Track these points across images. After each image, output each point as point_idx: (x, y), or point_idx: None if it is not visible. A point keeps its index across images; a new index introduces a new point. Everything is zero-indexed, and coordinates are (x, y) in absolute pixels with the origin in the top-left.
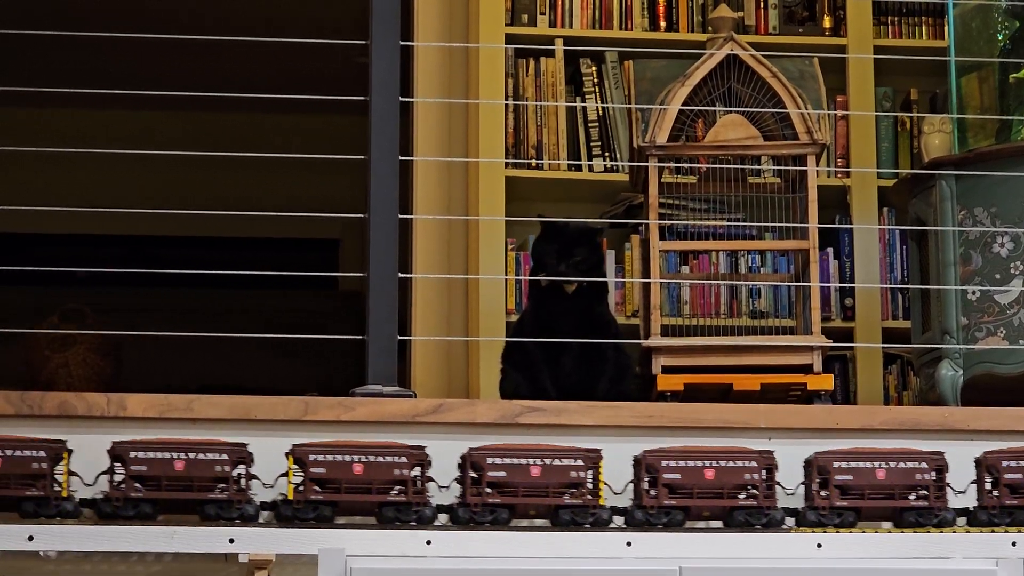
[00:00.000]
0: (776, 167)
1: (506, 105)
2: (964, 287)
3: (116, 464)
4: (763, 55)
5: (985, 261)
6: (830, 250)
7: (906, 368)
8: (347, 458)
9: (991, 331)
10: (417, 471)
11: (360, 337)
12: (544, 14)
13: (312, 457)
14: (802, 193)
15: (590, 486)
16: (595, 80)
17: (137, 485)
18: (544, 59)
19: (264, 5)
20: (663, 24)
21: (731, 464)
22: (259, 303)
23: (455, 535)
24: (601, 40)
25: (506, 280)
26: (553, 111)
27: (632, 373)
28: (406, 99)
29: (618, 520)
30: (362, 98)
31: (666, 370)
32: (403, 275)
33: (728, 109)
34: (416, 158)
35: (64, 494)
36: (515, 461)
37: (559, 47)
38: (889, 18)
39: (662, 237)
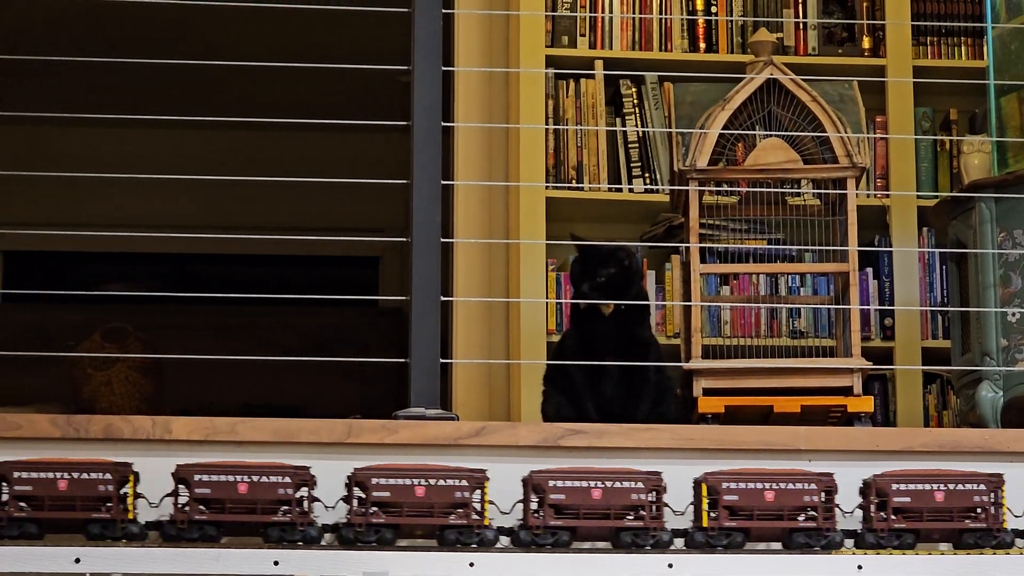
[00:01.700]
0: (816, 190)
1: (546, 127)
2: (1004, 309)
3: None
4: (802, 77)
5: None
6: (869, 270)
7: (946, 387)
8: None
9: None
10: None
11: (403, 360)
12: (584, 36)
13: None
14: (842, 216)
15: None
16: (635, 101)
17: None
18: (584, 81)
19: (309, 29)
20: (703, 45)
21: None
22: (301, 320)
23: (499, 557)
24: (641, 61)
25: (547, 301)
26: (594, 133)
27: (673, 395)
28: (448, 123)
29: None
30: (404, 123)
31: (707, 392)
32: (445, 298)
33: (768, 133)
34: (458, 182)
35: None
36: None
37: (599, 69)
38: (928, 38)
39: (703, 259)
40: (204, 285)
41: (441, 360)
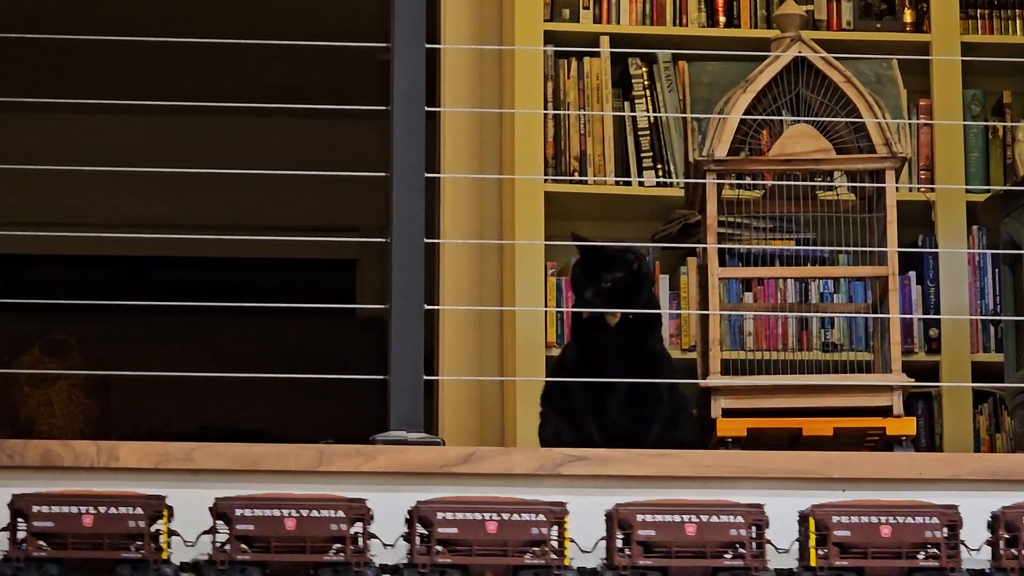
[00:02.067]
0: (851, 183)
1: (545, 112)
2: None
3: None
4: (836, 56)
5: None
6: (912, 274)
7: (999, 407)
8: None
9: None
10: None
11: (382, 377)
12: (588, 8)
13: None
14: (880, 213)
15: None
16: (646, 83)
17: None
18: (588, 59)
19: (283, 9)
20: (722, 20)
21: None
22: (267, 330)
23: None
24: (652, 38)
25: (545, 310)
26: (599, 118)
27: (688, 416)
28: (432, 108)
29: None
30: (383, 107)
31: (727, 413)
32: (429, 307)
33: (796, 119)
34: (445, 175)
35: None
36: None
37: (605, 46)
38: (978, 11)
39: (723, 262)
40: (160, 291)
41: (425, 377)
